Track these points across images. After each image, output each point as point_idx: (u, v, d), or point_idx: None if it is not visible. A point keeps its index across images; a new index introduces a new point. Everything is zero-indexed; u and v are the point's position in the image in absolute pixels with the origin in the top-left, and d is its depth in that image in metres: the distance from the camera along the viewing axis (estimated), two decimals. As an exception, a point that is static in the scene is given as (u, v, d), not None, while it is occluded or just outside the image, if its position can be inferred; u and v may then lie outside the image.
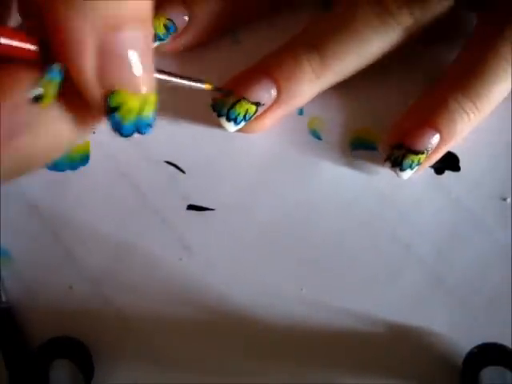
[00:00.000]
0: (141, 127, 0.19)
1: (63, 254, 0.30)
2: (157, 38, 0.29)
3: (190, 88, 0.24)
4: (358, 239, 0.30)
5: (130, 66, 0.17)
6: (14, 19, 0.20)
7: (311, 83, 0.28)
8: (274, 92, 0.28)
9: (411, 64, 0.31)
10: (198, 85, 0.25)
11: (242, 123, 0.28)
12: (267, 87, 0.28)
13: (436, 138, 0.27)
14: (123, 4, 0.16)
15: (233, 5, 0.30)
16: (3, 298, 0.29)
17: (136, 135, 0.19)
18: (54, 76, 0.16)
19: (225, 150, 0.31)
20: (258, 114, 0.28)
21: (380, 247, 0.29)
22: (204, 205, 0.30)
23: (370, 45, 0.27)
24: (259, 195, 0.30)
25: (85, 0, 0.15)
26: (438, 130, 0.27)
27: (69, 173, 0.31)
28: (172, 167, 0.31)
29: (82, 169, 0.31)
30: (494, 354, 0.28)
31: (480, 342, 0.28)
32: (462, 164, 0.30)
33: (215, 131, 0.31)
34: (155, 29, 0.28)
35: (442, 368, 0.28)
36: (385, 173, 0.30)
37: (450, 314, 0.29)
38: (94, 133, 0.31)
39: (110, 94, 0.17)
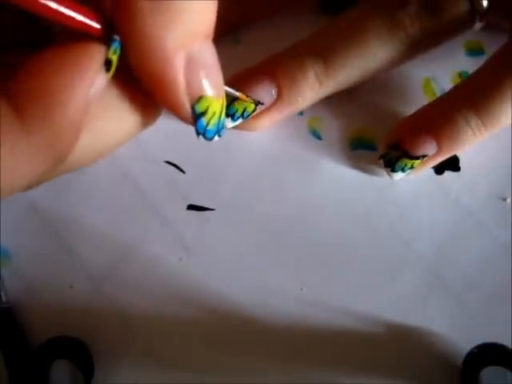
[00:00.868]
0: (220, 129, 0.21)
1: (63, 253, 0.30)
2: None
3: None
4: (357, 239, 0.30)
5: (211, 74, 0.19)
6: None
7: (313, 90, 0.28)
8: (274, 94, 0.28)
9: (411, 64, 0.31)
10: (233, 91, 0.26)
11: (240, 120, 0.28)
12: (268, 88, 0.27)
13: (434, 148, 0.27)
14: (200, 16, 0.17)
15: (235, 9, 0.30)
16: (3, 298, 0.29)
17: (216, 138, 0.21)
18: (117, 46, 0.18)
19: (225, 150, 0.31)
20: (256, 112, 0.28)
21: (380, 247, 0.30)
22: (204, 205, 0.30)
23: (378, 58, 0.27)
24: (259, 195, 0.30)
25: (169, 14, 0.17)
26: (437, 141, 0.27)
27: (69, 173, 0.31)
28: (172, 167, 0.31)
29: (82, 169, 0.31)
30: (494, 354, 0.28)
31: (480, 342, 0.28)
32: (461, 164, 0.30)
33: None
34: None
35: (442, 368, 0.28)
36: (384, 173, 0.30)
37: (450, 313, 0.29)
38: (94, 133, 0.31)
39: (197, 101, 0.19)
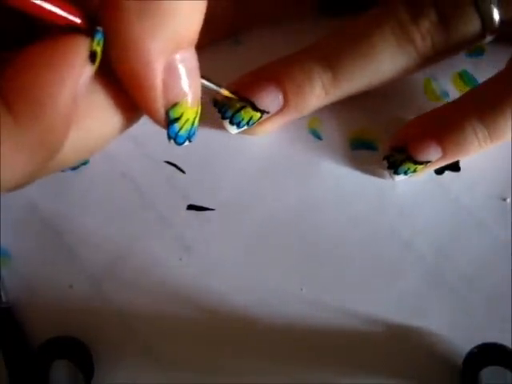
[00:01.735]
0: (191, 135, 0.21)
1: (63, 253, 0.30)
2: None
3: (208, 89, 0.25)
4: (357, 239, 0.30)
5: (190, 82, 0.19)
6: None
7: (319, 99, 0.28)
8: (281, 102, 0.28)
9: (419, 65, 0.31)
10: (217, 88, 0.26)
11: (245, 127, 0.28)
12: (275, 97, 0.27)
13: (438, 154, 0.27)
14: (185, 24, 0.17)
15: (237, 12, 0.30)
16: (3, 298, 0.29)
17: (185, 143, 0.21)
18: (100, 37, 0.18)
19: (225, 150, 0.31)
20: (261, 120, 0.28)
21: (380, 247, 0.29)
22: (204, 205, 0.30)
23: (385, 70, 0.27)
24: (259, 195, 0.30)
25: (156, 19, 0.17)
26: (443, 147, 0.27)
27: (69, 173, 0.31)
28: (172, 167, 0.31)
29: (82, 169, 0.31)
30: (494, 354, 0.28)
31: (480, 342, 0.28)
32: (461, 164, 0.30)
33: (215, 131, 0.31)
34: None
35: (442, 368, 0.28)
36: (384, 172, 0.30)
37: (450, 313, 0.29)
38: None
39: (172, 106, 0.19)
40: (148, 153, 0.31)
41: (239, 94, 0.27)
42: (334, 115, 0.31)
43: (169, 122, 0.19)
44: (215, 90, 0.26)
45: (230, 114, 0.28)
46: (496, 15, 0.25)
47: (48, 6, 0.16)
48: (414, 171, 0.28)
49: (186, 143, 0.21)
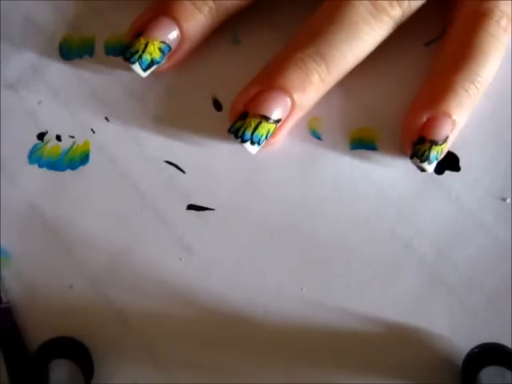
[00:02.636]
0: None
1: (63, 253, 0.30)
2: (154, 62, 0.29)
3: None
4: (357, 239, 0.30)
5: None
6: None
7: (318, 90, 0.28)
8: (289, 106, 0.28)
9: (411, 63, 0.31)
10: None
11: (264, 142, 0.28)
12: (285, 103, 0.28)
13: (451, 124, 0.28)
14: None
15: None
16: (3, 298, 0.29)
17: None
18: None
19: (225, 150, 0.31)
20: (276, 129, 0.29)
21: (380, 246, 0.29)
22: (204, 205, 0.30)
23: (368, 43, 0.28)
24: (259, 195, 0.30)
25: None
26: (451, 117, 0.28)
27: (69, 173, 0.31)
28: (172, 167, 0.31)
29: (81, 169, 0.31)
30: (494, 354, 0.28)
31: (480, 342, 0.28)
32: (461, 164, 0.30)
33: (215, 131, 0.31)
34: (151, 54, 0.29)
35: (442, 368, 0.28)
36: (384, 172, 0.30)
37: (450, 313, 0.29)
38: (94, 132, 0.31)
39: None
40: (148, 153, 0.31)
41: (249, 111, 0.28)
42: (334, 115, 0.31)
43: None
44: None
45: (248, 135, 0.28)
46: None
47: None
48: (442, 152, 0.29)
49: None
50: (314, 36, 0.28)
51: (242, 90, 0.29)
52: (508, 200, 0.30)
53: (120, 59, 0.29)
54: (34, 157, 0.31)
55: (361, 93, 0.31)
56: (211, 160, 0.31)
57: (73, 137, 0.31)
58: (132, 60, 0.29)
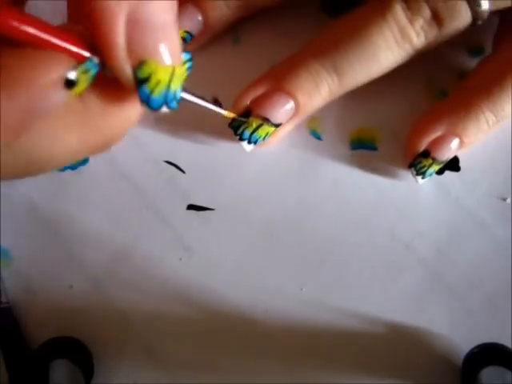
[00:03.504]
0: (169, 101, 0.19)
1: (63, 253, 0.30)
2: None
3: (211, 111, 0.25)
4: (357, 239, 0.30)
5: (156, 37, 0.17)
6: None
7: (324, 99, 0.28)
8: (293, 110, 0.28)
9: (411, 63, 0.31)
10: (220, 110, 0.26)
11: (260, 142, 0.29)
12: (288, 108, 0.28)
13: (458, 147, 0.28)
14: None
15: None
16: (3, 298, 0.29)
17: (164, 109, 0.19)
18: (91, 66, 0.17)
19: (225, 150, 0.31)
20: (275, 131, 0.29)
21: (380, 247, 0.29)
22: (204, 205, 0.30)
23: (384, 64, 0.27)
24: (259, 195, 0.30)
25: None
26: (462, 140, 0.28)
27: (69, 173, 0.31)
28: (172, 167, 0.31)
29: (81, 169, 0.31)
30: (494, 354, 0.28)
31: (480, 342, 0.28)
32: (461, 164, 0.30)
33: (215, 131, 0.31)
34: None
35: (441, 368, 0.28)
36: (384, 172, 0.30)
37: (450, 313, 0.29)
38: (93, 133, 0.31)
39: (139, 65, 0.17)
40: (148, 153, 0.31)
41: (252, 110, 0.28)
42: (334, 115, 0.31)
43: (137, 82, 0.18)
44: (218, 113, 0.26)
45: (247, 135, 0.28)
46: (486, 6, 0.26)
47: (46, 37, 0.16)
48: (439, 171, 0.29)
49: (165, 109, 0.19)
50: (334, 48, 0.27)
51: (249, 86, 0.28)
52: (508, 200, 0.30)
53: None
54: (34, 157, 0.31)
55: (361, 93, 0.30)
56: (211, 160, 0.31)
57: (73, 137, 0.31)
58: None
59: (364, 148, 0.30)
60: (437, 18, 0.26)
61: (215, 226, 0.30)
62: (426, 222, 0.30)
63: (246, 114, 0.28)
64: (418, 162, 0.29)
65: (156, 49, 0.17)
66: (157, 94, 0.18)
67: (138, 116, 0.20)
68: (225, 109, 0.27)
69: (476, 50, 0.31)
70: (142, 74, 0.18)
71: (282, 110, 0.28)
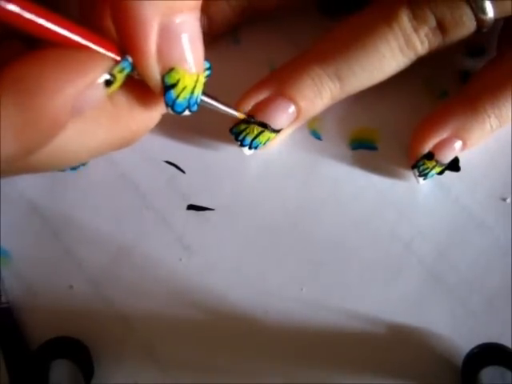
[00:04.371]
0: (191, 105, 0.20)
1: (63, 253, 0.30)
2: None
3: (223, 112, 0.25)
4: (357, 239, 0.30)
5: (184, 47, 0.19)
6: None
7: (326, 105, 0.28)
8: (294, 116, 0.28)
9: (411, 63, 0.31)
10: (232, 111, 0.26)
11: (260, 147, 0.29)
12: (290, 114, 0.28)
13: (461, 149, 0.28)
14: None
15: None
16: (3, 298, 0.29)
17: (186, 113, 0.21)
18: (126, 66, 0.18)
19: (225, 150, 0.31)
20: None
21: (380, 247, 0.30)
22: (204, 205, 0.30)
23: (387, 71, 0.27)
24: (259, 195, 0.30)
25: None
26: (465, 143, 0.28)
27: (69, 173, 0.31)
28: (172, 167, 0.31)
29: (81, 169, 0.31)
30: (494, 354, 0.28)
31: (480, 342, 0.28)
32: (461, 164, 0.30)
33: (215, 131, 0.31)
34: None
35: (442, 368, 0.28)
36: (384, 172, 0.30)
37: (450, 313, 0.29)
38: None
39: (168, 72, 0.19)
40: (148, 153, 0.31)
41: (254, 116, 0.28)
42: (334, 115, 0.31)
43: (164, 88, 0.19)
44: (231, 115, 0.26)
45: (248, 141, 0.28)
46: (490, 14, 0.26)
47: (80, 40, 0.17)
48: (441, 172, 0.29)
49: (187, 112, 0.20)
50: (337, 54, 0.27)
51: (250, 90, 0.28)
52: (508, 200, 0.30)
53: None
54: (34, 157, 0.31)
55: (361, 93, 0.30)
56: (211, 160, 0.31)
57: (73, 137, 0.31)
58: None
59: (364, 148, 0.30)
60: (442, 27, 0.26)
61: (215, 226, 0.30)
62: (426, 223, 0.30)
63: (248, 118, 0.28)
64: (421, 164, 0.29)
65: (184, 57, 0.19)
66: (182, 99, 0.20)
67: (160, 116, 0.22)
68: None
69: (476, 50, 0.31)
70: (170, 80, 0.19)
71: (284, 116, 0.28)
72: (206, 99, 0.23)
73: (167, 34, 0.18)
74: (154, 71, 0.19)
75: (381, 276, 0.29)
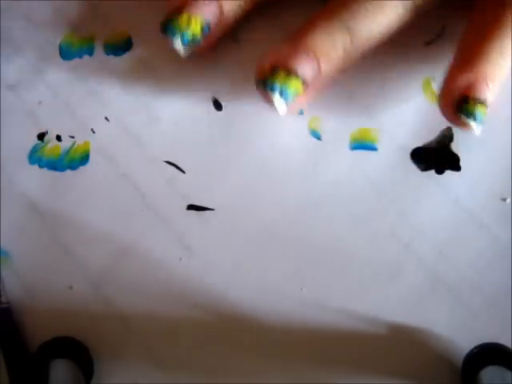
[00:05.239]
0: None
1: (63, 253, 0.30)
2: (195, 40, 0.29)
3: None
4: (357, 239, 0.30)
5: None
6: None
7: (343, 60, 0.29)
8: (316, 71, 0.28)
9: (411, 63, 0.31)
10: None
11: (290, 102, 0.28)
12: (313, 66, 0.28)
13: (489, 91, 0.28)
14: None
15: None
16: (3, 299, 0.29)
17: None
18: None
19: (224, 150, 0.31)
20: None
21: (380, 247, 0.29)
22: (204, 205, 0.30)
23: (392, 24, 0.29)
24: (259, 195, 0.30)
25: None
26: (488, 85, 0.28)
27: (69, 173, 0.31)
28: (172, 167, 0.31)
29: (81, 169, 0.31)
30: (494, 354, 0.27)
31: (480, 342, 0.28)
32: (462, 164, 0.30)
33: (215, 131, 0.31)
34: (192, 30, 0.29)
35: (441, 368, 0.28)
36: (384, 172, 0.30)
37: (450, 313, 0.29)
38: (94, 132, 0.31)
39: None
40: (148, 153, 0.31)
41: (280, 65, 0.28)
42: (334, 115, 0.31)
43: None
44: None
45: (278, 86, 0.27)
46: None
47: None
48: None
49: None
50: (340, 9, 0.28)
51: (269, 51, 0.28)
52: (508, 200, 0.30)
53: (119, 59, 0.29)
54: (35, 157, 0.31)
55: (361, 93, 0.31)
56: (211, 160, 0.31)
57: (73, 137, 0.31)
58: (175, 36, 0.29)
59: (364, 148, 0.30)
60: None
61: (215, 226, 0.30)
62: (426, 222, 0.30)
63: (274, 71, 0.27)
64: (463, 107, 0.28)
65: None
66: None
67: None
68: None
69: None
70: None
71: (306, 65, 0.28)
72: None
73: None
74: None
75: (381, 276, 0.29)
